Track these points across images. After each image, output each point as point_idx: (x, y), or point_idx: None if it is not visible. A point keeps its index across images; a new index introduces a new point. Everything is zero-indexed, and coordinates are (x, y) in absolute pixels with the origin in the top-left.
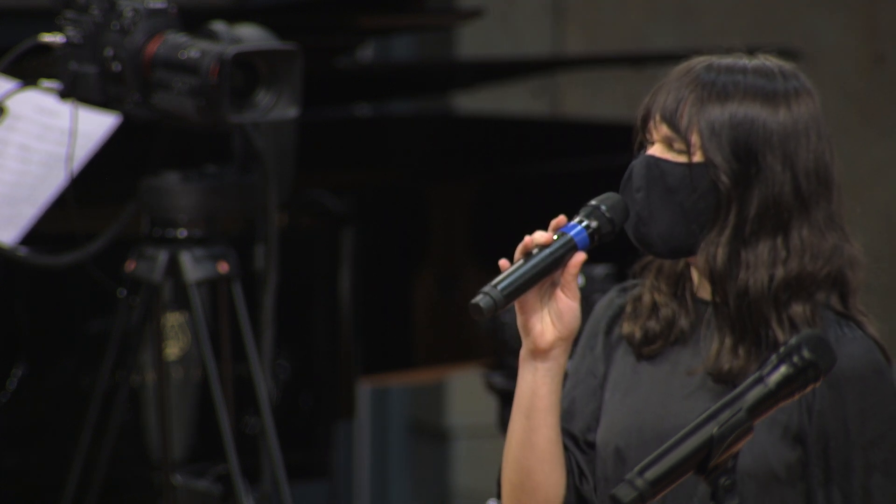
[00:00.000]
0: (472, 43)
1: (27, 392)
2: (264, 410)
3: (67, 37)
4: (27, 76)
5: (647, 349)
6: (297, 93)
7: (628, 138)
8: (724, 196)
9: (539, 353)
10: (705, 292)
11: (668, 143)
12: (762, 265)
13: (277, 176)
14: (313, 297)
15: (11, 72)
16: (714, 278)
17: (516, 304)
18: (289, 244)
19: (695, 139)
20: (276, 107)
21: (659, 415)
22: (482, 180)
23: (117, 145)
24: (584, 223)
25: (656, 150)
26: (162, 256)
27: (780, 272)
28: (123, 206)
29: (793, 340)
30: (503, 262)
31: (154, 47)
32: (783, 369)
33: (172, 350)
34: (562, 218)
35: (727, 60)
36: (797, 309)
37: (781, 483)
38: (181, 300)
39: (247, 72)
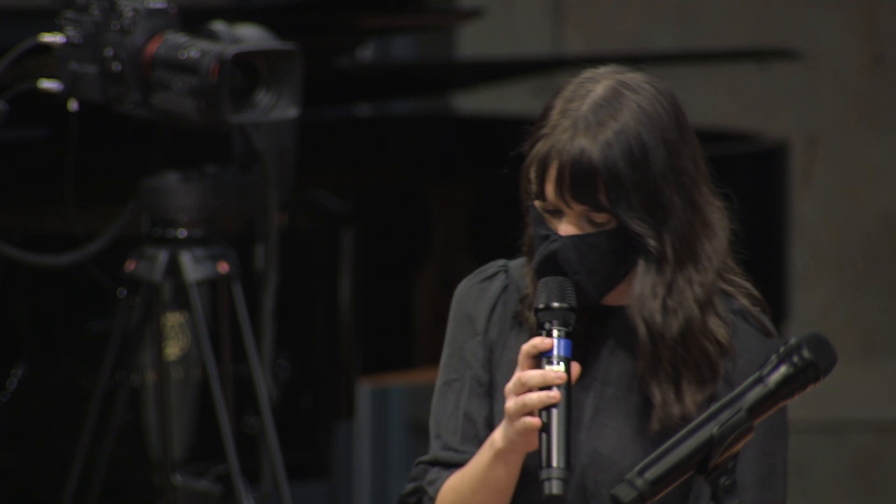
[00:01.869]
0: (472, 43)
1: (27, 392)
2: (264, 410)
3: (67, 37)
4: (27, 76)
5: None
6: (297, 93)
7: None
8: (654, 254)
9: (524, 453)
10: (610, 298)
11: (585, 217)
12: (688, 300)
13: (277, 176)
14: (313, 297)
15: (11, 72)
16: (653, 335)
17: (525, 437)
18: (289, 244)
19: (608, 206)
20: (276, 107)
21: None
22: (482, 180)
23: (117, 145)
24: (560, 333)
25: (572, 226)
26: (162, 256)
27: (700, 294)
28: (123, 206)
29: (793, 340)
30: (536, 422)
31: (154, 47)
32: (783, 369)
33: (172, 350)
34: (547, 342)
35: (590, 102)
36: (712, 318)
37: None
38: (181, 300)
39: (247, 72)
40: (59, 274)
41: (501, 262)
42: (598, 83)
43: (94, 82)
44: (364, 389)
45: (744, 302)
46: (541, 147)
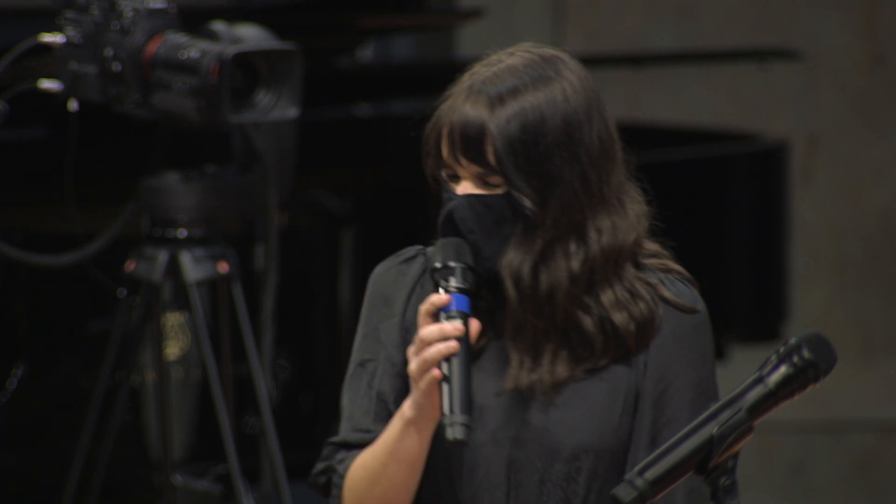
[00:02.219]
0: (472, 43)
1: (27, 392)
2: (264, 410)
3: (67, 37)
4: (27, 76)
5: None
6: (297, 93)
7: (628, 138)
8: (532, 219)
9: (434, 419)
10: (513, 300)
11: (480, 178)
12: (560, 269)
13: (277, 176)
14: (313, 297)
15: (11, 72)
16: (520, 297)
17: (429, 397)
18: (289, 244)
19: (496, 167)
20: (276, 107)
21: (494, 410)
22: None
23: (117, 145)
24: (460, 289)
25: (469, 187)
26: (162, 256)
27: (576, 267)
28: (123, 206)
29: (792, 340)
30: (437, 374)
31: (154, 47)
32: (783, 369)
33: (172, 350)
34: (446, 298)
35: (497, 69)
36: (607, 294)
37: (614, 451)
38: (181, 300)
39: (247, 72)
40: (59, 274)
41: (419, 246)
42: (512, 55)
43: (94, 82)
44: None
45: (665, 281)
46: (438, 112)
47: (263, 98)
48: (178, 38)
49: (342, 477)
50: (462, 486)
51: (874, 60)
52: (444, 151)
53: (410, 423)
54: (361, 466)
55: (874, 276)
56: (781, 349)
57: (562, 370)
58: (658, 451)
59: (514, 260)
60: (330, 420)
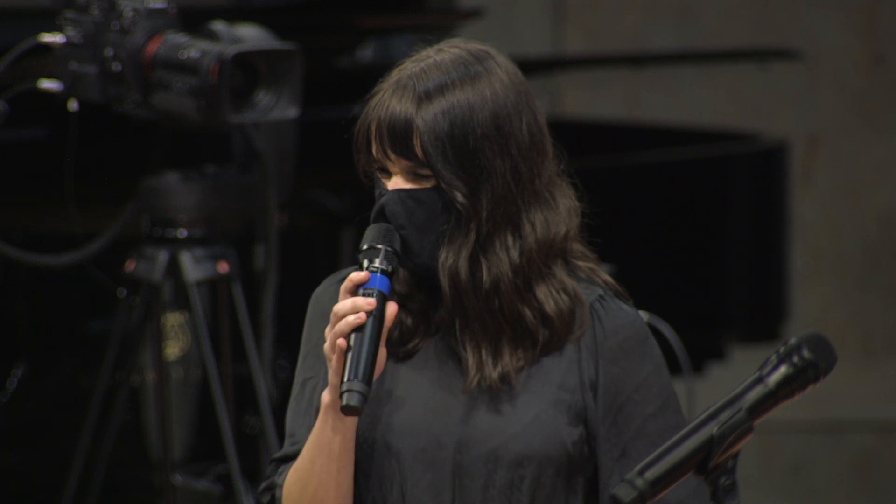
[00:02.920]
0: None
1: (27, 392)
2: (264, 410)
3: (67, 37)
4: (27, 76)
5: (405, 349)
6: (297, 93)
7: (628, 138)
8: (463, 212)
9: None
10: (450, 296)
11: (411, 172)
12: (502, 262)
13: (277, 176)
14: None
15: (11, 72)
16: (460, 292)
17: (338, 362)
18: (289, 244)
19: (424, 160)
20: (276, 107)
21: (435, 412)
22: None
23: (117, 145)
24: (382, 270)
25: (400, 182)
26: (162, 256)
27: (516, 259)
28: (123, 206)
29: (792, 340)
30: (342, 343)
31: (154, 47)
32: (783, 369)
33: (172, 350)
34: (364, 275)
35: (425, 64)
36: (540, 287)
37: (574, 464)
38: (181, 300)
39: (247, 72)
40: (59, 274)
41: (352, 268)
42: (441, 51)
43: (94, 82)
44: None
45: (603, 282)
46: (366, 108)
47: (263, 98)
48: (178, 38)
49: (281, 487)
50: (407, 490)
51: (874, 60)
52: (374, 147)
53: (329, 409)
54: (294, 470)
55: (874, 276)
56: (781, 349)
57: (518, 363)
58: (658, 451)
59: (448, 256)
60: None
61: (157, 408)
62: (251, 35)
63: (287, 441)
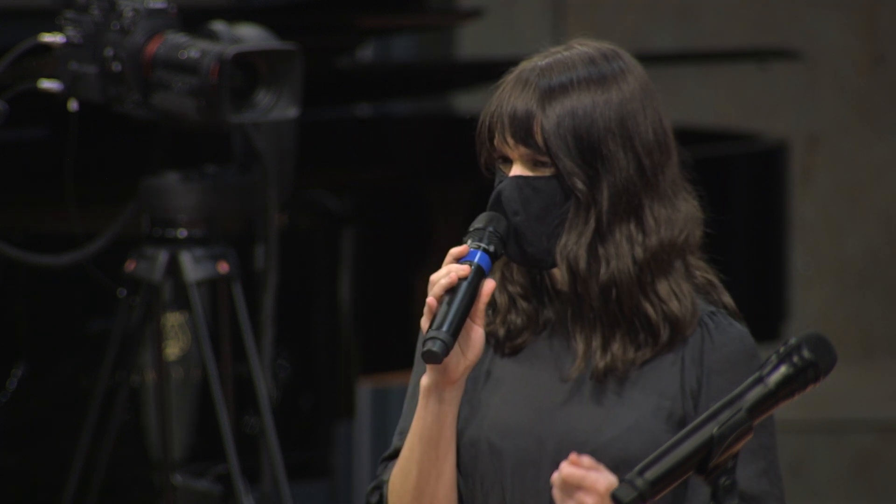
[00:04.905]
0: (472, 43)
1: (27, 392)
2: (264, 410)
3: (67, 37)
4: (27, 76)
5: (511, 344)
6: (297, 93)
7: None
8: (583, 200)
9: (449, 384)
10: (567, 284)
11: (530, 160)
12: (623, 254)
13: (277, 176)
14: (313, 297)
15: (11, 72)
16: (577, 280)
17: None
18: (289, 244)
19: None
20: (276, 107)
21: (538, 411)
22: (482, 180)
23: (117, 145)
24: (483, 248)
25: (519, 170)
26: (162, 256)
27: (640, 254)
28: (123, 206)
29: (792, 340)
30: (431, 302)
31: (154, 47)
32: (783, 369)
33: (172, 350)
34: (464, 248)
35: (552, 59)
36: (663, 285)
37: None
38: (181, 300)
39: (247, 72)
40: (59, 274)
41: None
42: (570, 49)
43: (94, 82)
44: (364, 389)
45: (725, 300)
46: (490, 100)
47: (263, 98)
48: (178, 38)
49: (388, 483)
50: (507, 489)
51: (874, 60)
52: (496, 137)
53: (430, 393)
54: (397, 462)
55: (874, 276)
56: (781, 349)
57: (631, 357)
58: (658, 451)
59: (567, 243)
60: (330, 420)
61: (157, 408)
62: (251, 35)
63: (395, 438)
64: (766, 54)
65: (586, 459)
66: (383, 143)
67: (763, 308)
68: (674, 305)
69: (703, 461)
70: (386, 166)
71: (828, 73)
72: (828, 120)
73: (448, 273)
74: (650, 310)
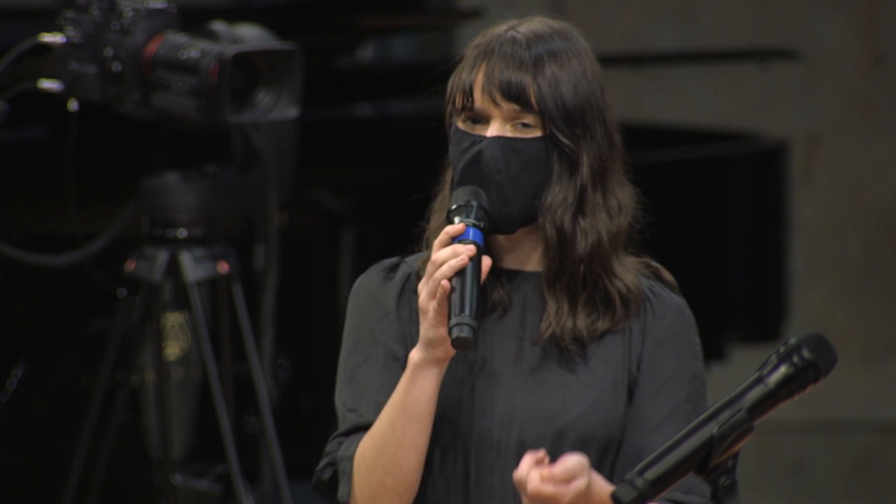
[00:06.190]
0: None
1: (27, 392)
2: (264, 410)
3: (67, 37)
4: (27, 76)
5: None
6: (297, 93)
7: (628, 138)
8: (569, 164)
9: (442, 360)
10: (512, 262)
11: (512, 120)
12: (599, 227)
13: (277, 176)
14: (313, 297)
15: (11, 72)
16: (560, 245)
17: (438, 318)
18: (289, 244)
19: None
20: (276, 107)
21: (495, 385)
22: None
23: (117, 145)
24: (477, 224)
25: (500, 129)
26: (162, 256)
27: (612, 229)
28: (123, 206)
29: (792, 340)
30: (445, 285)
31: (154, 47)
32: (783, 369)
33: (172, 350)
34: (460, 227)
35: (528, 29)
36: (616, 261)
37: (615, 442)
38: (181, 300)
39: (247, 72)
40: (59, 274)
41: (396, 258)
42: (531, 22)
43: (94, 82)
44: None
45: (665, 277)
46: (467, 58)
47: (263, 98)
48: (178, 38)
49: (351, 458)
50: (471, 468)
51: (874, 60)
52: (478, 93)
53: (418, 369)
54: (369, 436)
55: (874, 276)
56: (781, 349)
57: (587, 324)
58: (658, 450)
59: (553, 202)
60: (330, 420)
61: (157, 408)
62: (251, 35)
63: (350, 416)
64: (766, 54)
65: (559, 470)
66: (383, 143)
67: (763, 308)
68: (628, 280)
69: (703, 461)
70: (386, 166)
71: (828, 73)
72: (828, 120)
73: (457, 254)
74: (608, 284)
